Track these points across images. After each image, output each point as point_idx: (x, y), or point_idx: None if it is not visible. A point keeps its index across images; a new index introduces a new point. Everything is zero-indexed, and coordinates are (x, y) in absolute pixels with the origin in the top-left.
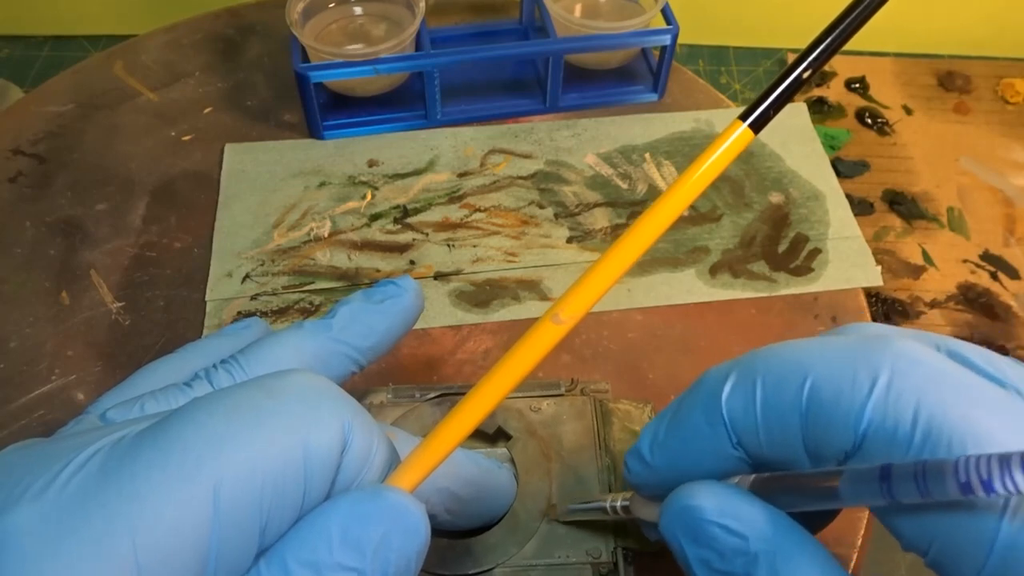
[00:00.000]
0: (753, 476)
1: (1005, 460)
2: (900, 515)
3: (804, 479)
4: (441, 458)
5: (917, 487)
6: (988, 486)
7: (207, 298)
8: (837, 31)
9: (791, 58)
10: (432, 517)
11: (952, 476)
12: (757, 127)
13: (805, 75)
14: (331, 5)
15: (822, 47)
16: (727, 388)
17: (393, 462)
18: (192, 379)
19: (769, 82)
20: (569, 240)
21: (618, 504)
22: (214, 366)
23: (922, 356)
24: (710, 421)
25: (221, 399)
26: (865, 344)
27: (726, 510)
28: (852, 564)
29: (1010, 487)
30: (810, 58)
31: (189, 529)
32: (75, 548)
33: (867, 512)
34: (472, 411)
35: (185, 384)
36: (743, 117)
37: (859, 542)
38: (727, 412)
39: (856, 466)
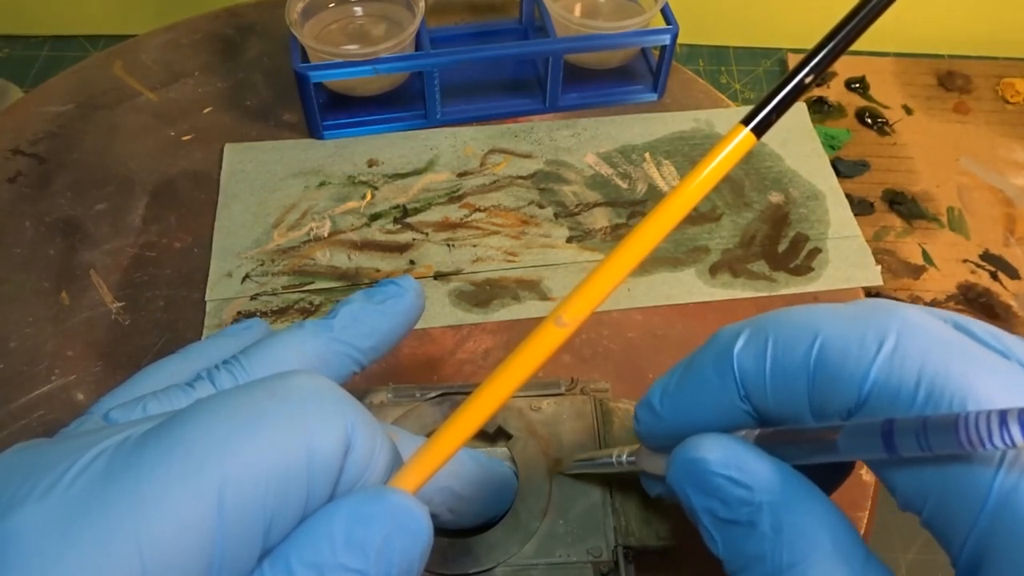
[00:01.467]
0: (758, 430)
1: (1003, 415)
2: (898, 470)
3: (807, 432)
4: (444, 460)
5: (918, 441)
6: (987, 439)
7: (207, 298)
8: (839, 36)
9: (791, 58)
10: (434, 517)
11: (952, 430)
12: (760, 131)
13: (808, 80)
14: (331, 5)
15: (824, 52)
16: (739, 343)
17: (396, 463)
18: (194, 380)
19: (771, 86)
20: (569, 240)
21: (624, 457)
22: (216, 367)
23: (928, 324)
24: (720, 374)
25: (224, 400)
26: (874, 310)
27: (731, 462)
28: None
29: (1008, 440)
30: (812, 63)
31: (194, 530)
32: (80, 549)
33: (867, 513)
34: (475, 413)
35: (188, 385)
36: (745, 121)
37: None
38: (738, 366)
39: (857, 420)
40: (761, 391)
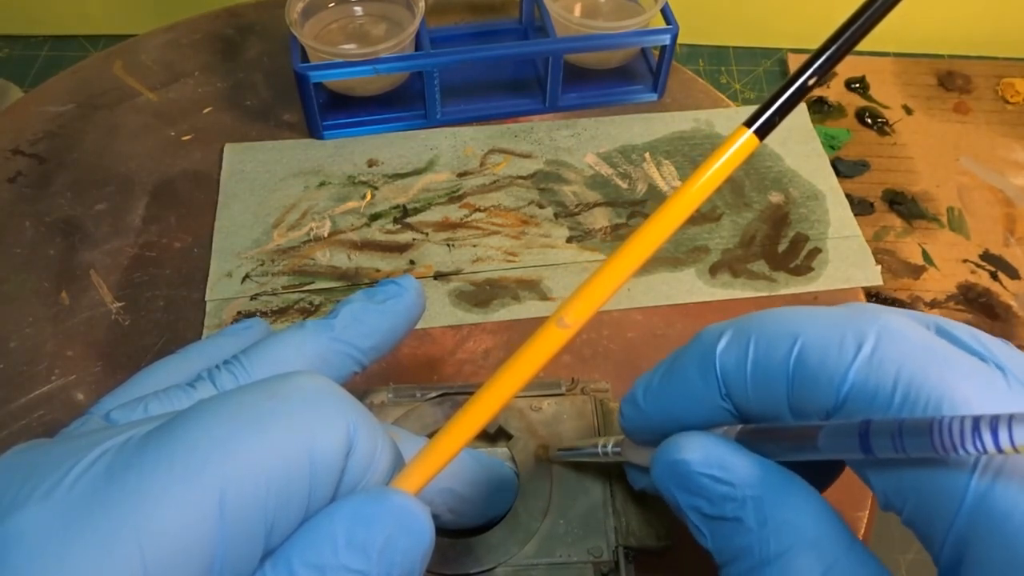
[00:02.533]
0: (739, 427)
1: (976, 422)
2: (878, 471)
3: (787, 431)
4: (446, 461)
5: (893, 443)
6: (960, 445)
7: (207, 298)
8: (841, 39)
9: (791, 58)
10: (435, 517)
11: (927, 434)
12: (762, 134)
13: (810, 83)
14: (331, 5)
15: (827, 55)
16: (722, 343)
17: (397, 464)
18: (195, 380)
19: (772, 87)
20: (569, 240)
21: (609, 448)
22: (217, 367)
23: (907, 329)
24: (703, 372)
25: (226, 401)
26: (855, 314)
27: (712, 461)
28: None
29: (979, 447)
30: (815, 65)
31: (195, 531)
32: (82, 549)
33: (867, 513)
34: (477, 415)
35: (188, 385)
36: (748, 124)
37: None
38: (719, 365)
39: (836, 421)
40: (742, 390)
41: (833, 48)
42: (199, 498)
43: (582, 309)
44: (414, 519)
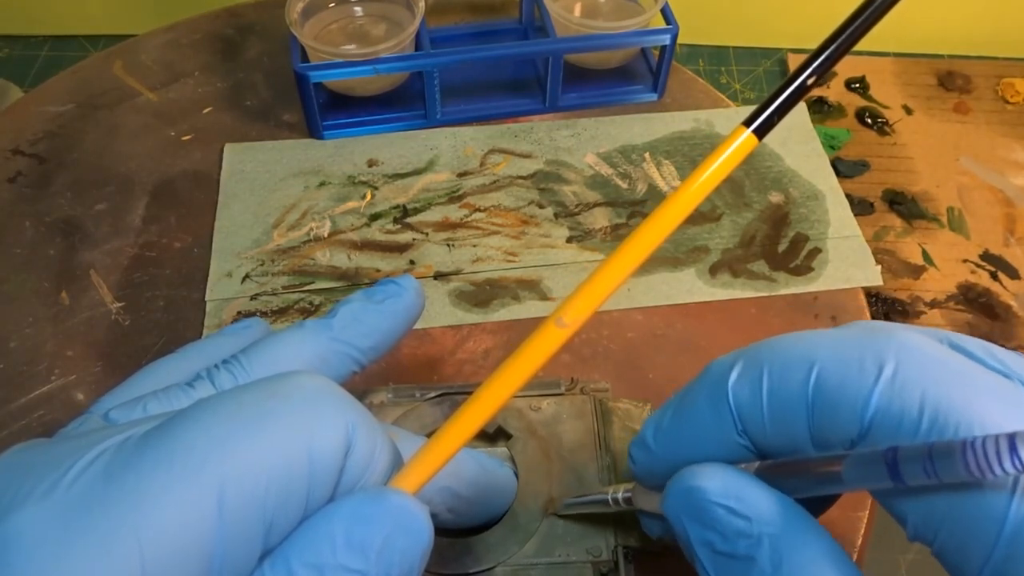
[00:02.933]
0: (758, 463)
1: (1012, 439)
2: (906, 500)
3: (808, 464)
4: (444, 460)
5: (924, 469)
6: (996, 464)
7: (207, 298)
8: (841, 38)
9: (791, 58)
10: (434, 516)
11: (960, 456)
12: (761, 133)
13: (809, 82)
14: (331, 5)
15: (826, 54)
16: (733, 376)
17: (396, 463)
18: (194, 379)
19: (772, 87)
20: (569, 240)
21: (619, 496)
22: (216, 366)
23: (926, 347)
24: (715, 409)
25: (225, 401)
26: (870, 335)
27: (730, 491)
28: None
29: (1018, 465)
30: (814, 65)
31: (194, 531)
32: (81, 549)
33: (867, 512)
34: (475, 414)
35: (187, 384)
36: (747, 123)
37: (859, 542)
38: (733, 400)
39: (860, 450)
40: (759, 423)
41: (832, 48)
42: (198, 497)
43: (581, 309)
44: (413, 519)
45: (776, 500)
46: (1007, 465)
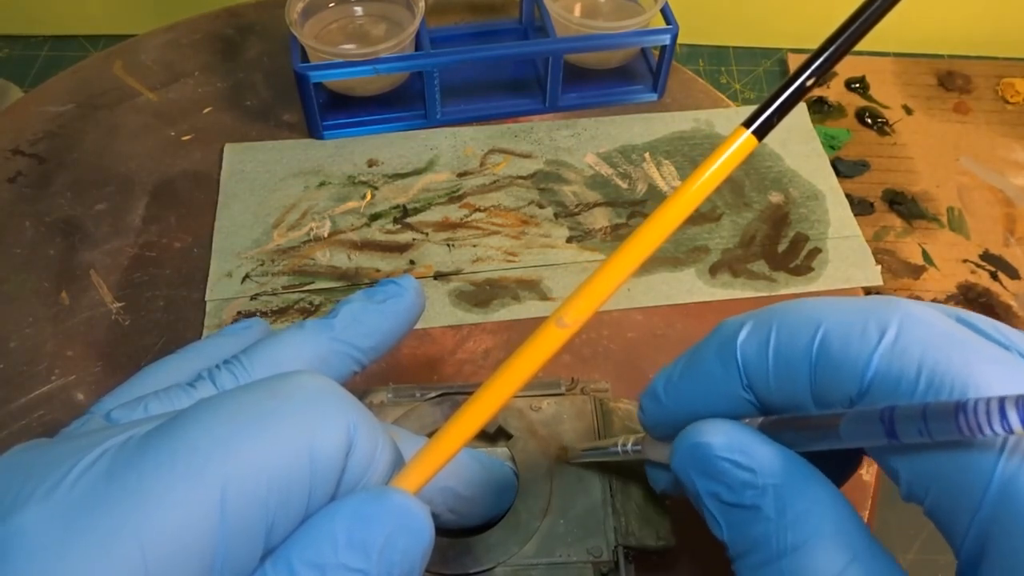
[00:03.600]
0: (762, 418)
1: (1002, 402)
2: (900, 458)
3: (809, 419)
4: (445, 460)
5: (918, 428)
6: (986, 426)
7: (207, 298)
8: (841, 39)
9: (791, 58)
10: (435, 516)
11: (952, 417)
12: (761, 134)
13: (809, 83)
14: (331, 5)
15: (826, 55)
16: (743, 334)
17: (397, 463)
18: (195, 380)
19: (772, 87)
20: (569, 240)
21: (629, 446)
22: (217, 366)
23: (930, 316)
24: (724, 364)
25: (227, 401)
26: (876, 302)
27: (735, 446)
28: None
29: (1006, 427)
30: (814, 66)
31: (196, 531)
32: (83, 550)
33: (867, 512)
34: (477, 414)
35: (189, 385)
36: (747, 124)
37: None
38: (741, 356)
39: (859, 408)
40: (764, 380)
41: (832, 48)
42: (200, 497)
43: (581, 309)
44: (414, 518)
45: (779, 453)
46: (996, 426)
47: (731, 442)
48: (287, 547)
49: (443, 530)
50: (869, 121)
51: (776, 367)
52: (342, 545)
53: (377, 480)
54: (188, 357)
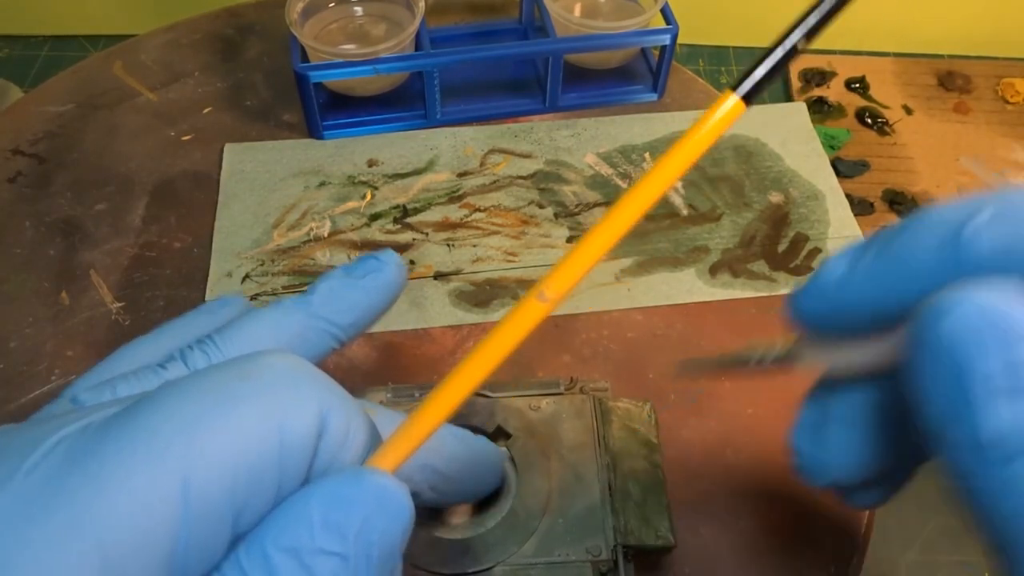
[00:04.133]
0: None
1: None
2: None
3: None
4: (423, 437)
5: None
6: None
7: (207, 298)
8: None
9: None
10: (415, 495)
11: None
12: (749, 98)
13: (800, 45)
14: (331, 5)
15: (816, 13)
16: (980, 221)
17: (374, 441)
18: (167, 360)
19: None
20: (569, 240)
21: (774, 355)
22: (190, 346)
23: None
24: (948, 255)
25: (192, 383)
26: None
27: None
28: (852, 562)
29: None
30: (804, 25)
31: (157, 516)
32: (39, 537)
33: (867, 512)
34: (457, 388)
35: (159, 366)
36: (735, 87)
37: (859, 542)
38: (985, 247)
39: None
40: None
41: (824, 6)
42: (161, 484)
43: (562, 282)
44: (392, 499)
45: None
46: None
47: None
48: (260, 532)
49: (429, 507)
50: (869, 121)
51: None
52: (318, 528)
53: (353, 460)
54: (162, 337)
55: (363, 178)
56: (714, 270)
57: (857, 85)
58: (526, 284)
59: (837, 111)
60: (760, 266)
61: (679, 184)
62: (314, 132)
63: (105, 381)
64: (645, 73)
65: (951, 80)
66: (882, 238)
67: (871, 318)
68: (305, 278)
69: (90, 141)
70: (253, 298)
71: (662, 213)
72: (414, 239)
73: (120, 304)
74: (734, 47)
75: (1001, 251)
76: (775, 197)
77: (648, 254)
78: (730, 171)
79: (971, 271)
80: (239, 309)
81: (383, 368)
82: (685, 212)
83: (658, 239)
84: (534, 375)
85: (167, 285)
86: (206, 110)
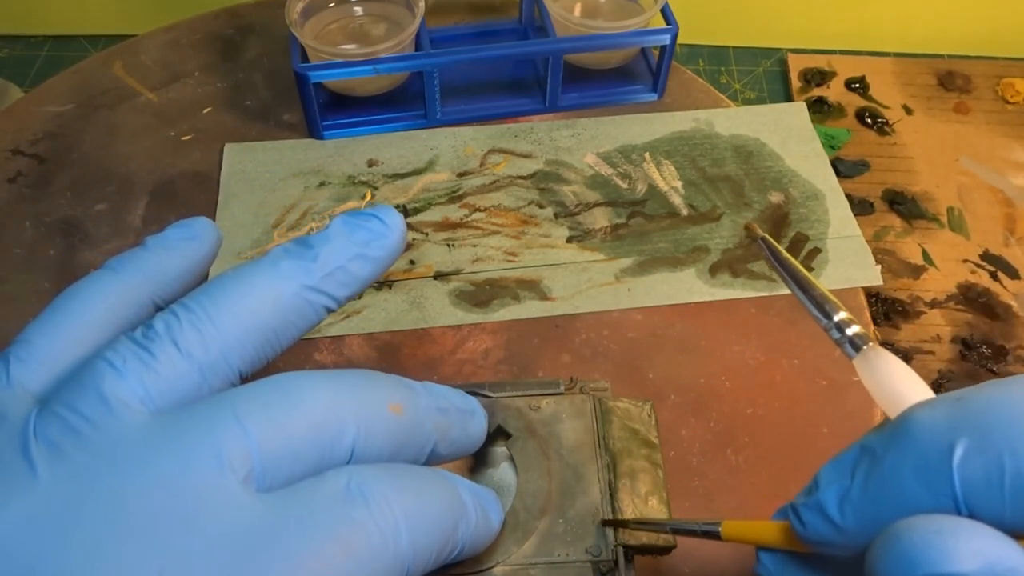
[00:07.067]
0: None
1: None
2: None
3: None
4: None
5: None
6: None
7: None
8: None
9: (791, 58)
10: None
11: None
12: None
13: None
14: (331, 5)
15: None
16: (958, 454)
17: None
18: (148, 331)
19: (771, 88)
20: (569, 240)
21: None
22: (175, 315)
23: None
24: (931, 488)
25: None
26: None
27: (999, 570)
28: None
29: None
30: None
31: None
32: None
33: None
34: None
35: (142, 349)
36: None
37: None
38: (960, 484)
39: None
40: (997, 511)
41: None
42: None
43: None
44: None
45: None
46: None
47: (993, 569)
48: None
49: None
50: (869, 121)
51: (1015, 493)
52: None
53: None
54: (128, 282)
55: (363, 178)
56: (714, 270)
57: (857, 85)
58: (526, 284)
59: (837, 111)
60: (760, 266)
61: (679, 184)
62: (314, 132)
63: (66, 370)
64: (645, 73)
65: (951, 80)
66: (864, 462)
67: (866, 542)
68: None
69: (90, 141)
70: None
71: (662, 213)
72: (414, 239)
73: None
74: (734, 47)
75: (982, 483)
76: (775, 197)
77: (648, 254)
78: (730, 171)
79: (966, 504)
80: (209, 240)
81: (383, 368)
82: (685, 212)
83: (658, 239)
84: (534, 375)
85: None
86: (206, 110)
